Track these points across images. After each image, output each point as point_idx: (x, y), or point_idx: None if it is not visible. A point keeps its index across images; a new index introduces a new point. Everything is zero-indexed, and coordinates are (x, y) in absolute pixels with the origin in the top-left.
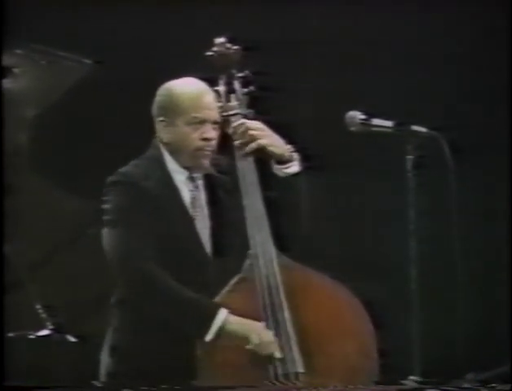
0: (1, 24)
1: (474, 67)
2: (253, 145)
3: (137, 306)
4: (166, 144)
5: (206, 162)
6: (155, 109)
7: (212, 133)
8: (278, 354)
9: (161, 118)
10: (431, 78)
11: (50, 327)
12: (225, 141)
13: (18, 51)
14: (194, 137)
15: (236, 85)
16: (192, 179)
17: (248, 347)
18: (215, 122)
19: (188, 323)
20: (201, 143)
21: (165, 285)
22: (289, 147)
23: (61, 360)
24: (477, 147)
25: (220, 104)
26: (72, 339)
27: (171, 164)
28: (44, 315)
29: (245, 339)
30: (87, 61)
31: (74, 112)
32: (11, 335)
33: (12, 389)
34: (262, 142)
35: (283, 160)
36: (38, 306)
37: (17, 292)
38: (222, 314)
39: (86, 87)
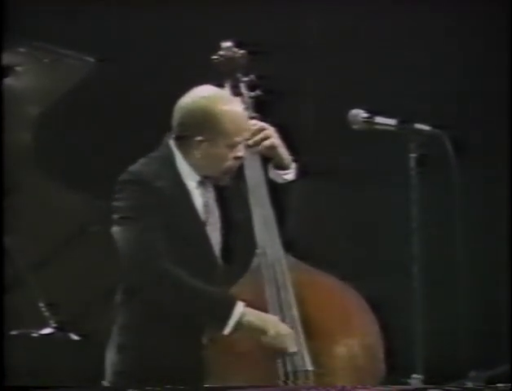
0: (2, 22)
1: (474, 66)
2: (267, 142)
3: (145, 303)
4: (194, 157)
5: (230, 176)
6: (187, 122)
7: (243, 151)
8: (294, 348)
9: (200, 138)
10: (431, 78)
11: (53, 325)
12: None
13: (21, 49)
14: (230, 156)
15: (243, 88)
16: (203, 183)
17: (264, 339)
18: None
19: (206, 318)
20: (234, 162)
21: (180, 281)
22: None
23: (64, 358)
24: (478, 146)
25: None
26: (75, 337)
27: (183, 166)
28: (47, 313)
29: (262, 331)
30: (90, 59)
31: (77, 111)
32: (13, 333)
33: (13, 389)
34: (275, 141)
35: (283, 166)
36: (41, 304)
37: (20, 291)
38: (240, 307)
39: (88, 85)
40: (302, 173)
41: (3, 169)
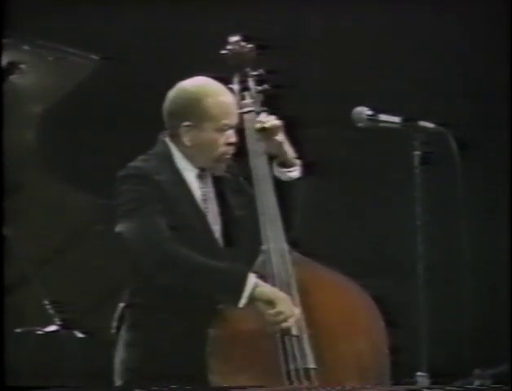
0: (6, 20)
1: (474, 66)
2: (274, 141)
3: (153, 299)
4: (186, 146)
5: (225, 165)
6: (174, 111)
7: (235, 137)
8: (295, 332)
9: (187, 123)
10: (432, 78)
11: (58, 322)
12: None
13: (25, 47)
14: (220, 142)
15: (250, 83)
16: (201, 177)
17: (270, 311)
18: (237, 126)
19: (220, 292)
20: (226, 148)
21: (191, 259)
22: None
23: (69, 355)
24: (479, 145)
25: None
26: (80, 334)
27: (181, 162)
28: (52, 311)
29: (273, 304)
30: (94, 57)
31: (81, 108)
32: (18, 331)
33: (14, 389)
34: (282, 136)
35: (287, 164)
36: (46, 302)
37: (25, 288)
38: (252, 278)
39: (92, 83)
40: (306, 171)
41: (8, 168)
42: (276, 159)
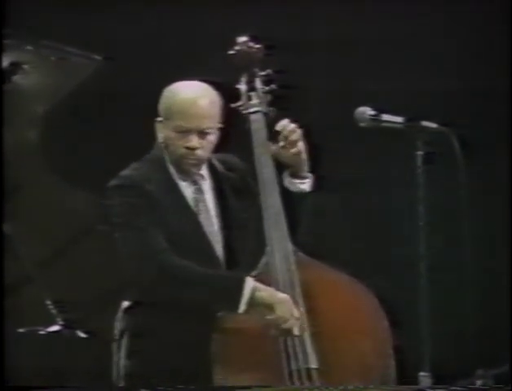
0: (8, 20)
1: (474, 65)
2: (295, 150)
3: (155, 305)
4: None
5: (193, 170)
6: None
7: (196, 142)
8: (297, 332)
9: (159, 118)
10: (432, 78)
11: (61, 322)
12: (238, 138)
13: (27, 47)
14: (178, 144)
15: (258, 83)
16: (193, 183)
17: (269, 317)
18: (203, 132)
19: (218, 300)
20: (184, 151)
21: (187, 270)
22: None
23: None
24: (478, 145)
25: (240, 105)
26: (83, 334)
27: (172, 167)
28: (54, 311)
29: (271, 308)
30: (97, 57)
31: (83, 108)
32: (21, 330)
33: (14, 389)
34: (302, 146)
35: (300, 175)
36: (48, 302)
37: (27, 289)
38: (250, 282)
39: (94, 83)
40: (317, 184)
41: (9, 167)
42: (289, 169)
